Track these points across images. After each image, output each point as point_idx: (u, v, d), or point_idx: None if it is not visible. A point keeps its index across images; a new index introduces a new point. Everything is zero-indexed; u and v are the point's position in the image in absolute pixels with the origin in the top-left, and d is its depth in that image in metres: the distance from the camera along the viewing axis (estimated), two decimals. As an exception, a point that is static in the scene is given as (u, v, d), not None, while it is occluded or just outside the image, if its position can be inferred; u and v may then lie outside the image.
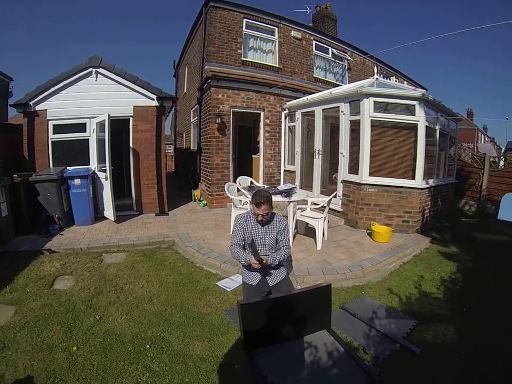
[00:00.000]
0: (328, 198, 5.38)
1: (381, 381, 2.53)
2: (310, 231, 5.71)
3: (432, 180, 6.76)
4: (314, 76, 10.70)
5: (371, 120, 6.13)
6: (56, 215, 5.94)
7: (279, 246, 3.02)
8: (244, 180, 7.01)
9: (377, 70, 12.24)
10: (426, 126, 6.18)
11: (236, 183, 6.78)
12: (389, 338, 3.10)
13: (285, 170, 9.15)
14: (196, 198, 9.08)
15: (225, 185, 6.13)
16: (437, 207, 7.18)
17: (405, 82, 15.01)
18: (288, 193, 5.22)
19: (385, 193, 6.16)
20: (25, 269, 4.33)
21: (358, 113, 6.29)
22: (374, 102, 6.14)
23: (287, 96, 8.91)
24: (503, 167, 9.56)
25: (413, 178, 6.15)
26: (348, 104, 6.54)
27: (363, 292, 4.09)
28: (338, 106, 6.76)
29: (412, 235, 6.12)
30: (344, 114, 6.62)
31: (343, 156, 6.70)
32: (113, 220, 6.54)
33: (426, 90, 16.43)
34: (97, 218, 6.70)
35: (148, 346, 2.89)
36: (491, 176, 9.16)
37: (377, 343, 3.05)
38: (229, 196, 6.03)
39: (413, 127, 6.17)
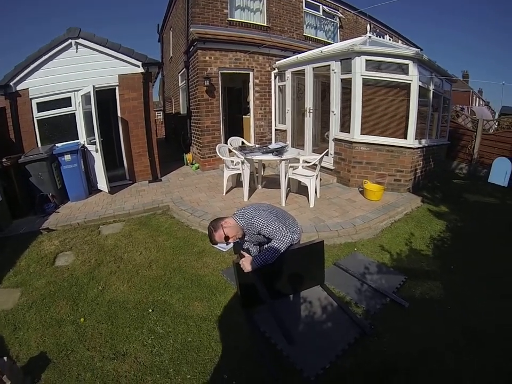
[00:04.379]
0: (320, 156, 5.40)
1: (372, 333, 2.66)
2: (302, 189, 5.76)
3: (425, 140, 6.73)
4: (304, 34, 10.36)
5: (363, 78, 6.04)
6: (50, 194, 5.89)
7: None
8: (235, 141, 7.02)
9: (371, 28, 11.86)
10: (419, 86, 6.07)
11: (227, 144, 6.78)
12: (379, 293, 3.22)
13: (276, 130, 9.15)
14: (188, 161, 9.11)
15: (217, 147, 6.16)
16: (429, 167, 7.21)
17: (400, 41, 14.61)
18: (279, 151, 5.24)
19: (377, 152, 6.18)
20: (26, 250, 4.35)
21: (350, 71, 6.16)
22: (366, 60, 6.01)
23: (277, 55, 8.71)
24: (494, 130, 9.52)
25: (405, 137, 6.13)
26: (339, 62, 6.41)
27: (355, 249, 4.21)
28: (329, 65, 6.63)
29: (404, 194, 6.18)
30: (335, 72, 6.51)
31: (334, 114, 6.68)
32: (107, 192, 6.52)
33: (421, 50, 16.12)
34: (92, 192, 6.67)
35: (150, 310, 3.01)
36: (483, 140, 9.15)
37: (369, 297, 3.17)
38: (221, 157, 6.06)
39: (406, 87, 6.07)
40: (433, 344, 2.57)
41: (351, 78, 6.15)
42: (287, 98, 8.36)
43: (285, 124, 8.67)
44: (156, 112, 21.13)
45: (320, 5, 10.87)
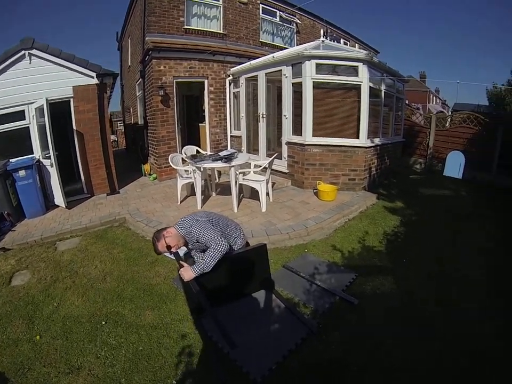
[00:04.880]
0: (269, 160, 5.49)
1: (320, 332, 2.74)
2: (255, 194, 5.80)
3: (378, 138, 7.01)
4: (260, 40, 10.53)
5: (313, 82, 6.22)
6: (6, 212, 5.69)
7: None
8: (190, 149, 7.01)
9: (327, 33, 12.23)
10: (370, 86, 6.34)
11: (182, 153, 6.81)
12: (328, 292, 3.29)
13: (231, 136, 9.24)
14: (146, 172, 9.04)
15: (169, 157, 6.13)
16: (384, 165, 7.49)
17: (357, 45, 14.97)
18: (228, 158, 5.27)
19: (329, 153, 6.36)
20: (-18, 272, 4.22)
21: (300, 76, 6.33)
22: (316, 64, 6.21)
23: (232, 62, 8.84)
24: (448, 126, 10.03)
25: (358, 137, 6.35)
26: (290, 67, 6.59)
27: (306, 250, 4.27)
28: (281, 70, 6.80)
29: (359, 192, 6.37)
30: (286, 77, 6.69)
31: (286, 118, 6.85)
32: (64, 207, 6.37)
33: (378, 53, 16.59)
34: (49, 208, 6.48)
35: (103, 322, 3.03)
36: (437, 135, 9.64)
37: (317, 297, 3.23)
38: (173, 167, 6.04)
39: (357, 88, 6.30)
40: (383, 339, 2.66)
41: (301, 82, 6.31)
42: (241, 104, 8.47)
43: (240, 130, 8.76)
44: (119, 123, 20.73)
45: (277, 11, 11.06)
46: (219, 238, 2.64)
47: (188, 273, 2.63)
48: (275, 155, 5.92)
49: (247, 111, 8.34)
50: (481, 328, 2.80)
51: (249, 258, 3.01)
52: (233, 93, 8.99)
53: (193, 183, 5.90)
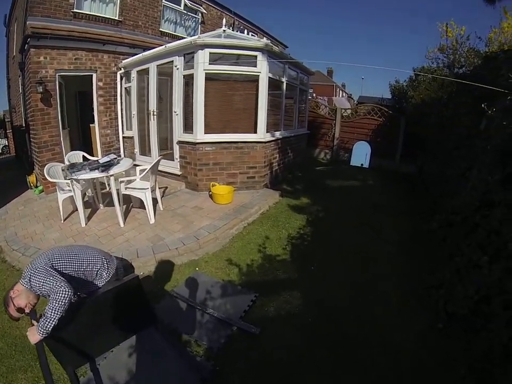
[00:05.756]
0: (152, 163, 4.90)
1: (214, 377, 2.33)
2: None
3: (279, 132, 6.83)
4: (161, 29, 9.70)
5: (206, 73, 5.76)
6: None
7: None
8: (74, 156, 5.99)
9: (234, 24, 11.90)
10: (270, 77, 6.08)
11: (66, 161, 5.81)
12: (224, 323, 2.85)
13: (124, 137, 8.31)
14: (32, 184, 7.59)
15: (45, 168, 5.05)
16: (288, 158, 7.37)
17: (265, 38, 14.86)
18: (106, 166, 4.55)
19: (224, 151, 5.99)
20: None
21: (193, 67, 5.83)
22: (211, 53, 5.76)
23: (125, 53, 7.91)
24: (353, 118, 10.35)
25: (255, 132, 6.08)
26: (182, 57, 6.06)
27: (197, 268, 3.76)
28: (173, 61, 6.22)
29: (260, 191, 6.12)
30: (177, 69, 6.14)
31: (177, 114, 6.30)
32: None
33: (287, 47, 16.73)
34: None
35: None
36: (343, 127, 10.00)
37: (211, 330, 2.78)
38: (49, 179, 5.03)
39: (257, 80, 6.00)
40: (291, 370, 2.36)
41: (193, 74, 5.81)
42: (133, 101, 7.66)
43: (132, 130, 7.97)
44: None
45: (182, -2, 10.34)
46: (58, 284, 2.06)
47: (34, 336, 2.02)
48: (160, 157, 5.38)
49: (140, 108, 7.52)
50: (393, 336, 2.67)
51: (119, 296, 2.40)
52: (125, 88, 8.06)
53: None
